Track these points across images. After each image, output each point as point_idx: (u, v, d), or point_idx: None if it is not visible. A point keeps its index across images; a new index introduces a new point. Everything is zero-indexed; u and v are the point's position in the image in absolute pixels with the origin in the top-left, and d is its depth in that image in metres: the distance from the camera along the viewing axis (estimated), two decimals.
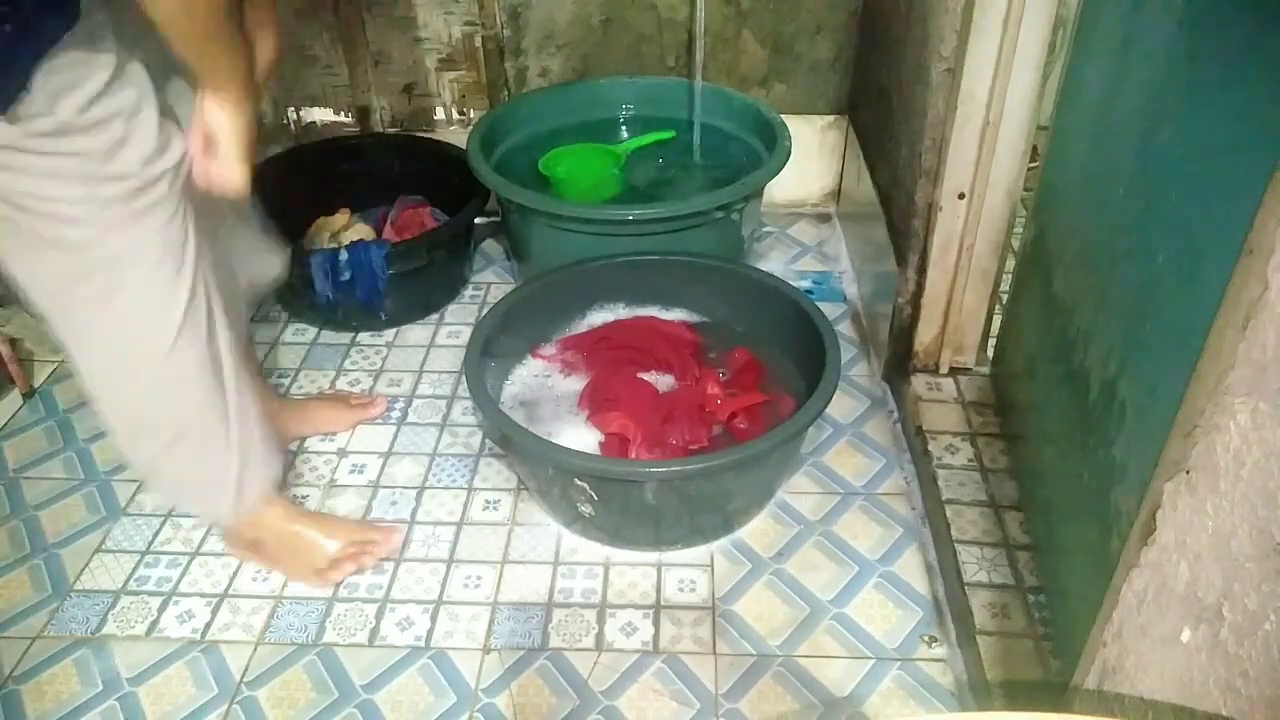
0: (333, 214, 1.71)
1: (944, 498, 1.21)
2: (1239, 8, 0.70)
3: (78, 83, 0.84)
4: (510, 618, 1.16)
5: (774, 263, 1.78)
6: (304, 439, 1.41)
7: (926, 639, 1.13)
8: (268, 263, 1.24)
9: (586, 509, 1.18)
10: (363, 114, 1.84)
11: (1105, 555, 0.84)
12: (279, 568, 1.22)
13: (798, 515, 1.28)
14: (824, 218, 1.92)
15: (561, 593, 1.19)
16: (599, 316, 1.50)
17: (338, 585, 1.21)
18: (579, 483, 1.15)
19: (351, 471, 1.37)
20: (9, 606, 1.19)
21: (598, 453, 1.27)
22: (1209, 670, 0.61)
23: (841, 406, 1.45)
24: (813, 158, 1.87)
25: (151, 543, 1.27)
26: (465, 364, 1.26)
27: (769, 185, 1.57)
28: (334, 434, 1.43)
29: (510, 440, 1.18)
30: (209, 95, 0.94)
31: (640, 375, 1.38)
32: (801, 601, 1.17)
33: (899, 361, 1.43)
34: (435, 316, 1.67)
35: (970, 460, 1.27)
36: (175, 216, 0.96)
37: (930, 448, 1.29)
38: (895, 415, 1.43)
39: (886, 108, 1.51)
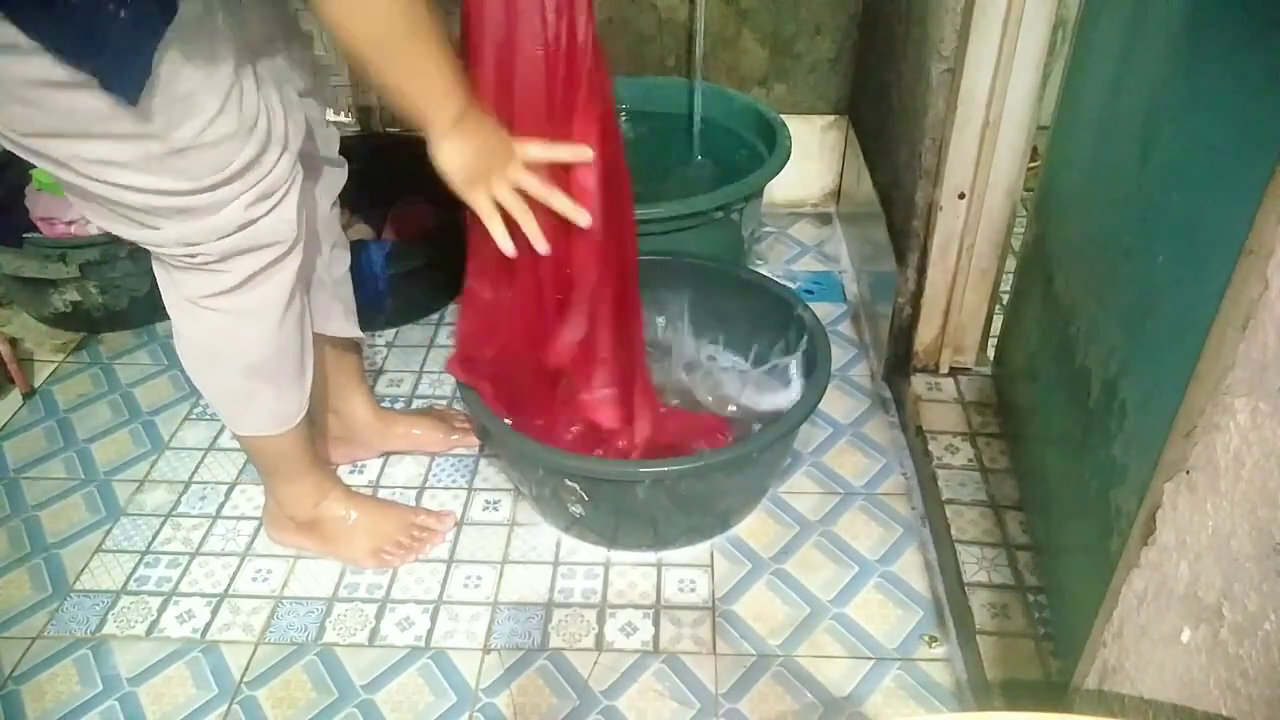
0: None
1: (944, 498, 1.21)
2: (1239, 8, 0.70)
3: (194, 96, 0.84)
4: (510, 618, 1.16)
5: (774, 263, 1.78)
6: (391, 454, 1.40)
7: (926, 639, 1.13)
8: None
9: (577, 509, 1.18)
10: (363, 114, 1.84)
11: (1105, 555, 0.84)
12: (333, 550, 1.23)
13: (797, 515, 1.28)
14: (824, 218, 1.92)
15: (561, 593, 1.19)
16: None
17: (342, 582, 1.21)
18: (569, 483, 1.15)
19: (351, 471, 1.37)
20: (9, 606, 1.19)
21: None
22: (1209, 670, 0.61)
23: (841, 406, 1.45)
24: (813, 158, 1.87)
25: (151, 543, 1.27)
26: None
27: (769, 185, 1.57)
28: (432, 454, 1.40)
29: (489, 435, 1.17)
30: (430, 133, 0.93)
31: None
32: (801, 601, 1.17)
33: (899, 361, 1.43)
34: (435, 316, 1.68)
35: (970, 460, 1.26)
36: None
37: (930, 448, 1.29)
38: (895, 415, 1.43)
39: (886, 108, 1.51)
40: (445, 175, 0.97)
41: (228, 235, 0.93)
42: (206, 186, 0.89)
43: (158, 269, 1.01)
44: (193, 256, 0.95)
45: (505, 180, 0.99)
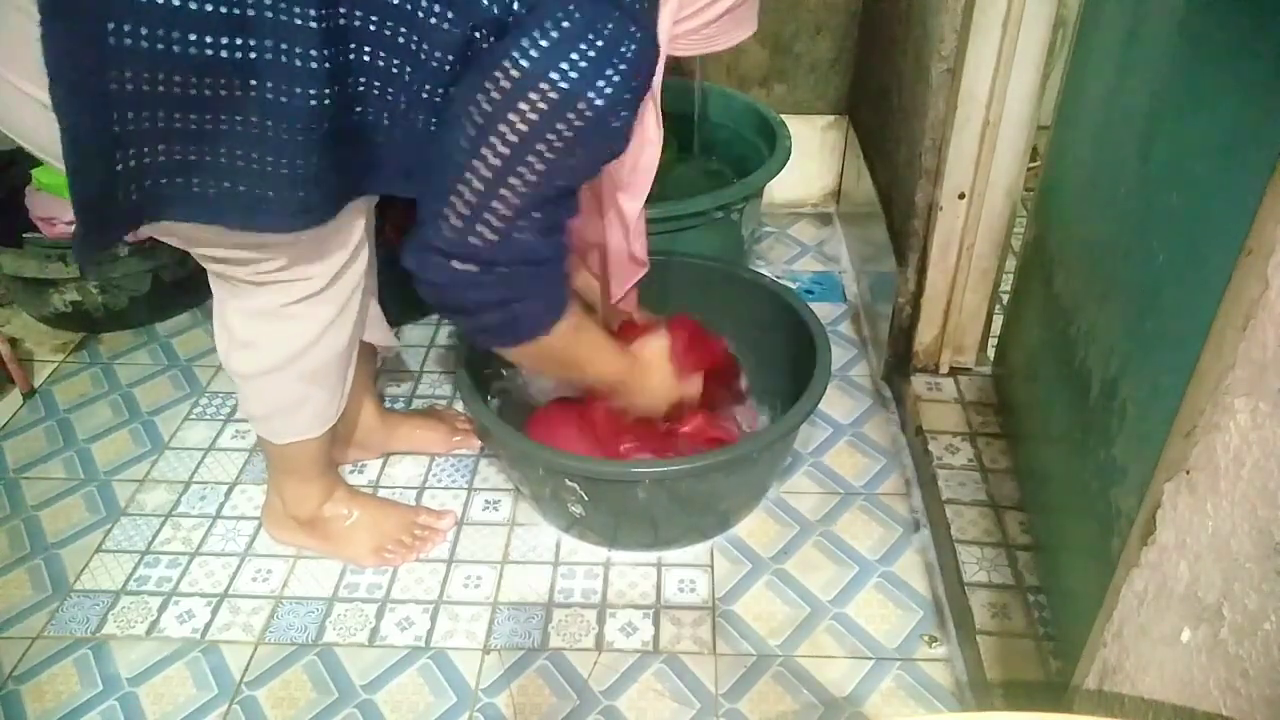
0: None
1: (944, 498, 1.21)
2: (1239, 8, 0.70)
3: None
4: (510, 618, 1.16)
5: (774, 263, 1.78)
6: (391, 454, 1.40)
7: (926, 639, 1.13)
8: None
9: (577, 509, 1.18)
10: None
11: (1105, 555, 0.84)
12: (334, 548, 1.23)
13: (797, 515, 1.28)
14: (824, 218, 1.92)
15: (561, 593, 1.19)
16: None
17: (342, 582, 1.21)
18: (569, 483, 1.15)
19: (352, 471, 1.37)
20: (9, 606, 1.19)
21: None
22: (1209, 670, 0.61)
23: (841, 406, 1.45)
24: (813, 158, 1.87)
25: (151, 543, 1.27)
26: (458, 362, 1.26)
27: (769, 185, 1.57)
28: (433, 455, 1.40)
29: (489, 435, 1.17)
30: (611, 399, 1.17)
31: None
32: (801, 601, 1.17)
33: (899, 361, 1.43)
34: (435, 316, 1.67)
35: (970, 460, 1.26)
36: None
37: (930, 448, 1.29)
38: (895, 415, 1.43)
39: (886, 108, 1.51)
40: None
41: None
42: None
43: (224, 289, 1.02)
44: (281, 270, 0.97)
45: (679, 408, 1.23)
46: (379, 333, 1.21)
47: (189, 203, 0.83)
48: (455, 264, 0.91)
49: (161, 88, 0.75)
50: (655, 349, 1.19)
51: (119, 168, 0.78)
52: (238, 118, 0.79)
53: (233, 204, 0.83)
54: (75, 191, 0.77)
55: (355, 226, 1.00)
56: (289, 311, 1.01)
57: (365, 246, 1.05)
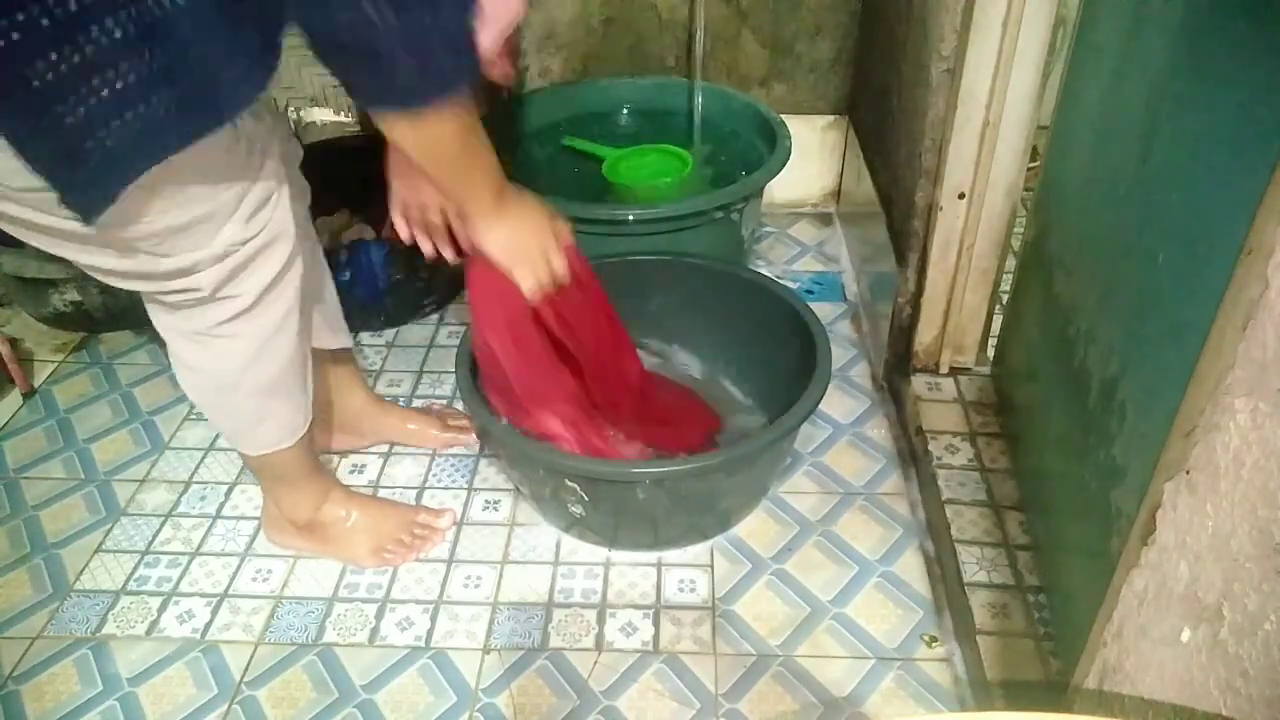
0: (332, 214, 1.71)
1: (944, 498, 1.21)
2: (1239, 8, 0.70)
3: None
4: (510, 618, 1.16)
5: (774, 263, 1.78)
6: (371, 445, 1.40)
7: (926, 639, 1.13)
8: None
9: (577, 509, 1.18)
10: (364, 114, 1.84)
11: (1105, 555, 0.84)
12: (334, 551, 1.23)
13: (797, 515, 1.28)
14: (824, 218, 1.92)
15: (561, 593, 1.19)
16: None
17: (342, 582, 1.21)
18: (569, 483, 1.15)
19: (351, 471, 1.37)
20: (9, 606, 1.19)
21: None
22: (1209, 670, 0.61)
23: (841, 406, 1.45)
24: (813, 158, 1.87)
25: (151, 543, 1.27)
26: (458, 362, 1.26)
27: (769, 185, 1.57)
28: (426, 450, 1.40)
29: (489, 435, 1.17)
30: (473, 222, 0.99)
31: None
32: (801, 601, 1.17)
33: (899, 361, 1.43)
34: (435, 316, 1.68)
35: (970, 460, 1.26)
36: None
37: (930, 448, 1.29)
38: (895, 415, 1.43)
39: (886, 108, 1.51)
40: (493, 258, 1.02)
41: (231, 254, 0.92)
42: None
43: (156, 311, 1.00)
44: (195, 290, 0.94)
45: (548, 265, 1.06)
46: (324, 336, 1.19)
47: (133, 147, 0.74)
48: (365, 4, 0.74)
49: None
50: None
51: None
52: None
53: (164, 123, 0.74)
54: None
55: (283, 237, 0.96)
56: (224, 330, 0.98)
57: (299, 258, 1.00)
